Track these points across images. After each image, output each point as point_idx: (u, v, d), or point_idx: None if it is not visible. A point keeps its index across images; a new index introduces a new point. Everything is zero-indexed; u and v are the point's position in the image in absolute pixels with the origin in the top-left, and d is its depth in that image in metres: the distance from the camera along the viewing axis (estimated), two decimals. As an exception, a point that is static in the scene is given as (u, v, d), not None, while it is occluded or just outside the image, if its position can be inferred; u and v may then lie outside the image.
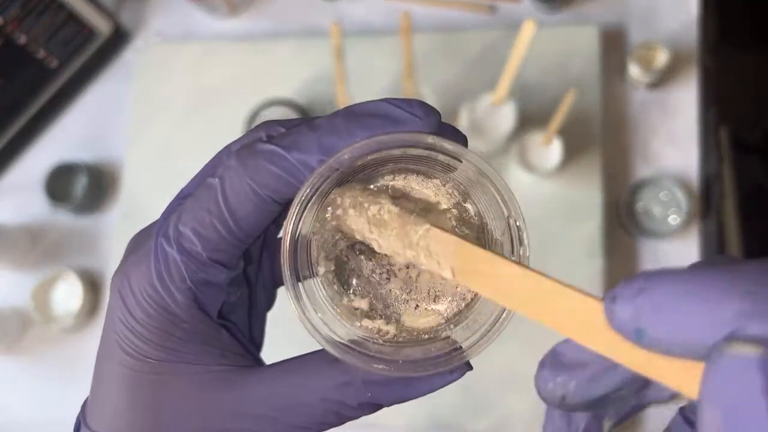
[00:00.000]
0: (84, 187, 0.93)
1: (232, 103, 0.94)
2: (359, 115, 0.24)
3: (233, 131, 0.92)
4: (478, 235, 0.28)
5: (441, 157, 0.25)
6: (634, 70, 0.85)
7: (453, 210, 0.28)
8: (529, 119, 0.85)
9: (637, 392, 0.21)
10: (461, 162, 0.24)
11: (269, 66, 0.96)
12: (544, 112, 0.84)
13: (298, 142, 0.24)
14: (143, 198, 0.94)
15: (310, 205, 0.25)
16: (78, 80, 1.01)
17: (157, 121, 0.97)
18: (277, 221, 0.29)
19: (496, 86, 0.81)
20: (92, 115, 1.01)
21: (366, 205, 0.26)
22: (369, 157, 0.24)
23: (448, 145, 0.24)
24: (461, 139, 0.26)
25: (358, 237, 0.26)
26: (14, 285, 0.95)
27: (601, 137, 0.85)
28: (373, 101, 0.25)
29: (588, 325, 0.19)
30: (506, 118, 0.83)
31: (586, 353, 0.20)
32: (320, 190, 0.24)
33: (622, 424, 0.22)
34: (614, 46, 0.90)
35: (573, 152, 0.84)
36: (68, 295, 0.91)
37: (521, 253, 0.24)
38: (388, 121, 0.24)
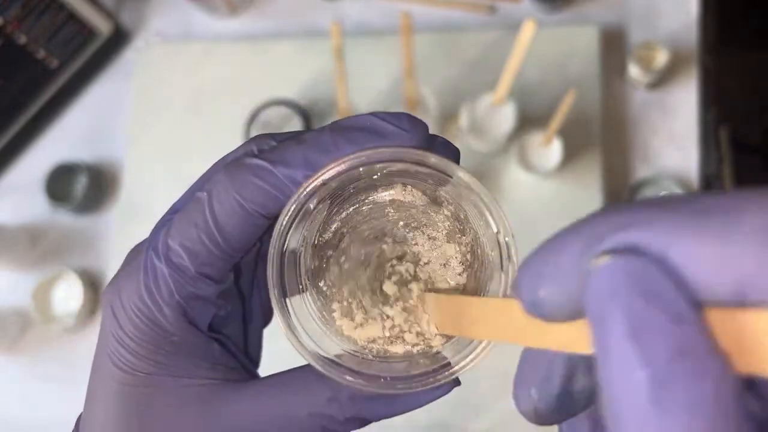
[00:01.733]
0: (84, 187, 0.93)
1: (232, 103, 0.94)
2: (345, 129, 0.24)
3: (233, 131, 0.92)
4: (472, 248, 0.28)
5: (431, 171, 0.25)
6: (634, 70, 0.85)
7: (447, 222, 0.28)
8: (529, 119, 0.85)
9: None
10: (450, 177, 0.24)
11: (269, 66, 0.96)
12: (544, 112, 0.84)
13: (284, 157, 0.24)
14: (144, 198, 0.94)
15: (297, 219, 0.25)
16: (78, 80, 1.01)
17: (157, 121, 0.97)
18: (270, 234, 0.29)
19: (496, 86, 0.81)
20: (92, 115, 1.01)
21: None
22: (359, 172, 0.24)
23: (434, 160, 0.24)
24: (452, 152, 0.26)
25: None
26: (14, 285, 0.95)
27: (600, 137, 0.85)
28: (360, 115, 0.25)
29: (520, 325, 0.19)
30: (506, 118, 0.83)
31: (537, 359, 0.20)
32: (306, 204, 0.25)
33: None
34: (614, 46, 0.90)
35: (573, 152, 0.84)
36: (68, 295, 0.91)
37: (509, 269, 0.24)
38: (374, 135, 0.24)
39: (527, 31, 0.75)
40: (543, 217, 0.84)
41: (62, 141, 1.01)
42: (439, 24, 0.95)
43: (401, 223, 0.28)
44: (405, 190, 0.28)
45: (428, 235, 0.28)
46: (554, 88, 0.86)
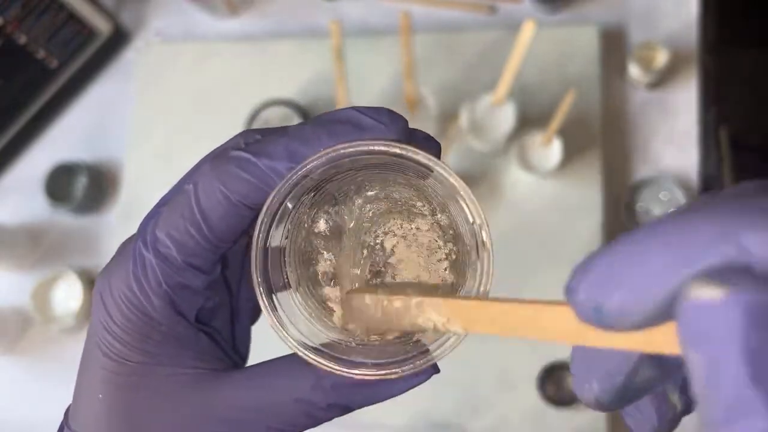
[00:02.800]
0: (84, 187, 0.93)
1: (232, 103, 0.94)
2: (326, 123, 0.25)
3: (233, 131, 0.91)
4: (453, 239, 0.29)
5: (411, 164, 0.25)
6: (634, 70, 0.85)
7: (430, 216, 0.29)
8: (529, 119, 0.85)
9: (661, 370, 0.20)
10: (431, 171, 0.25)
11: (269, 66, 0.96)
12: (544, 112, 0.84)
13: (267, 149, 0.25)
14: (143, 198, 0.94)
15: (280, 213, 0.25)
16: (78, 80, 1.01)
17: (157, 121, 0.97)
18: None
19: (496, 86, 0.81)
20: (92, 115, 1.01)
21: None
22: (341, 163, 0.25)
23: (413, 154, 0.24)
24: (434, 146, 0.27)
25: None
26: (14, 285, 0.95)
27: (600, 137, 0.85)
28: (341, 109, 0.26)
29: (567, 327, 0.18)
30: (506, 118, 0.83)
31: (593, 353, 0.20)
32: (290, 197, 0.25)
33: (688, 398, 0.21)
34: (614, 46, 0.90)
35: (573, 152, 0.84)
36: (68, 295, 0.91)
37: (484, 256, 0.25)
38: (354, 128, 0.25)
39: (527, 31, 0.75)
40: (543, 217, 0.84)
41: (62, 141, 1.01)
42: (439, 24, 0.95)
43: (386, 213, 0.29)
44: (390, 183, 0.28)
45: (413, 226, 0.29)
46: (554, 88, 0.86)
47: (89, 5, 0.97)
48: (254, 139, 0.26)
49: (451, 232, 0.29)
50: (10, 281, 0.96)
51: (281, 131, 0.26)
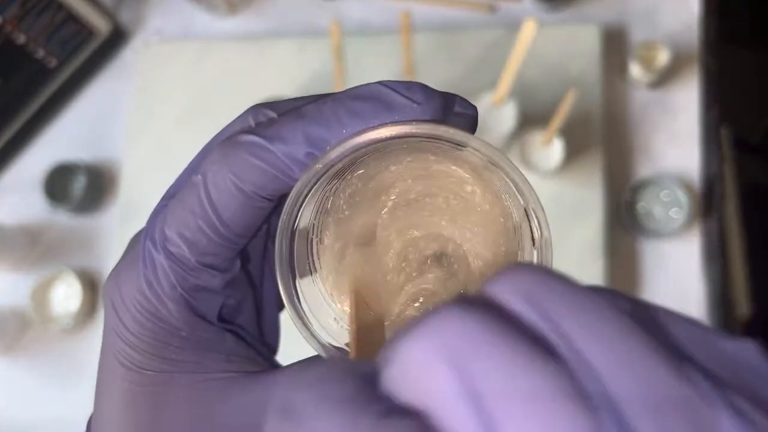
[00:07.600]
0: (83, 187, 0.93)
1: (231, 102, 0.94)
2: (348, 100, 0.22)
3: (233, 131, 0.92)
4: (496, 216, 0.26)
5: (447, 143, 0.22)
6: (635, 70, 0.84)
7: (469, 188, 0.26)
8: (530, 119, 0.85)
9: None
10: (465, 148, 0.22)
11: (269, 66, 0.96)
12: (545, 111, 0.84)
13: (282, 133, 0.22)
14: (142, 198, 0.94)
15: (308, 197, 0.23)
16: (77, 80, 1.01)
17: (156, 121, 0.97)
18: (278, 211, 0.27)
19: (496, 86, 0.81)
20: (91, 115, 1.01)
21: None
22: (369, 148, 0.22)
23: (448, 134, 0.21)
24: (469, 118, 0.24)
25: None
26: (13, 285, 0.95)
27: (602, 137, 0.85)
28: (366, 84, 0.22)
29: None
30: (507, 117, 0.82)
31: None
32: (317, 184, 0.22)
33: None
34: (615, 45, 0.89)
35: (574, 152, 0.83)
36: (67, 295, 0.91)
37: (542, 243, 0.23)
38: (382, 108, 0.21)
39: (528, 30, 0.74)
40: (544, 217, 0.84)
41: (61, 141, 1.00)
42: (439, 23, 0.94)
43: (421, 189, 0.26)
44: (422, 161, 0.26)
45: (451, 202, 0.26)
46: (555, 87, 0.86)
47: (88, 5, 0.96)
48: (267, 117, 0.24)
49: (492, 207, 0.26)
50: (9, 281, 0.96)
51: (297, 112, 0.22)
